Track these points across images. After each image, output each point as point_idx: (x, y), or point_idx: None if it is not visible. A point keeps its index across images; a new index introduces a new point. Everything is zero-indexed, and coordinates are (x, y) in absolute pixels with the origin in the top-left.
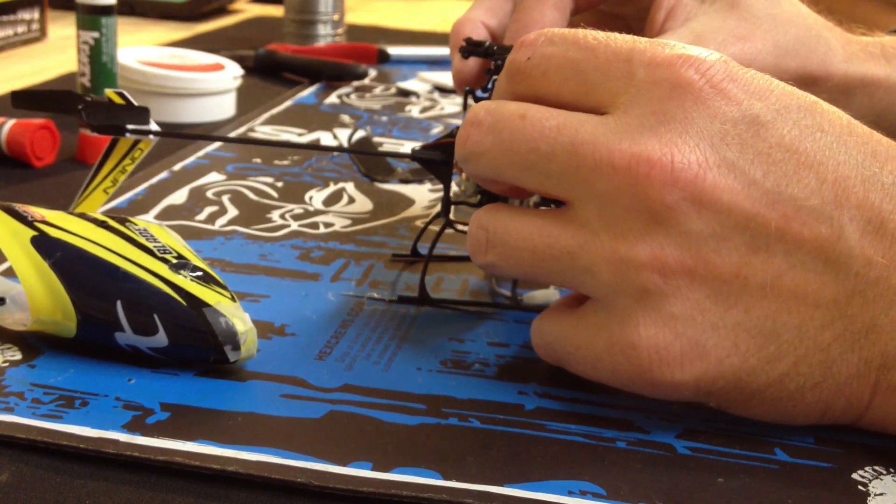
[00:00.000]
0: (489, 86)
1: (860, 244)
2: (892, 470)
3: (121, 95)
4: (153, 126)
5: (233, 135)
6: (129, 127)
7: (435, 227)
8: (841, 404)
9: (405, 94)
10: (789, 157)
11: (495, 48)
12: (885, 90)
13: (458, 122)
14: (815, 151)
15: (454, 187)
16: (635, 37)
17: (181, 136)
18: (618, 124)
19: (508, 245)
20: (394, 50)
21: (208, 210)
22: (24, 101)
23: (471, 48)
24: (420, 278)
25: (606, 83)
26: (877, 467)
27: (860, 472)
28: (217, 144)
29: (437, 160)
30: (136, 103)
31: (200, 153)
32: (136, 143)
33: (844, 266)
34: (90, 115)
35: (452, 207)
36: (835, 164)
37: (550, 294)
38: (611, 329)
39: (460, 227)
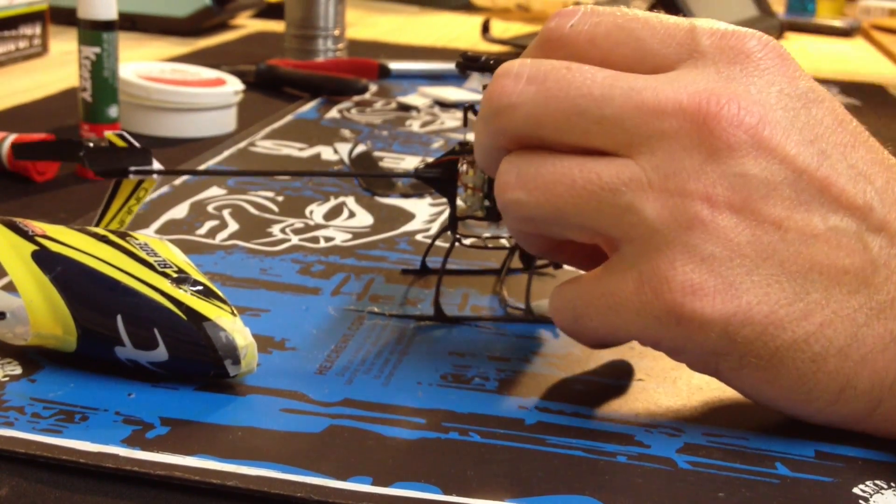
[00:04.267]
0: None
1: (886, 219)
2: (893, 484)
3: (122, 138)
4: (156, 165)
5: (233, 150)
6: (132, 169)
7: (443, 244)
8: (864, 380)
9: (406, 108)
10: (831, 133)
11: (492, 61)
12: None
13: (458, 136)
14: (851, 134)
15: (459, 203)
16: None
17: (185, 173)
18: (680, 76)
19: (541, 179)
20: (394, 65)
21: (209, 224)
22: (27, 153)
23: (467, 62)
24: (434, 296)
25: (666, 50)
26: (878, 482)
27: (861, 486)
28: (218, 159)
29: (440, 178)
30: (137, 144)
31: (201, 167)
32: (139, 183)
33: (872, 237)
34: (92, 161)
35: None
36: (865, 149)
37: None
38: (641, 267)
39: (467, 241)
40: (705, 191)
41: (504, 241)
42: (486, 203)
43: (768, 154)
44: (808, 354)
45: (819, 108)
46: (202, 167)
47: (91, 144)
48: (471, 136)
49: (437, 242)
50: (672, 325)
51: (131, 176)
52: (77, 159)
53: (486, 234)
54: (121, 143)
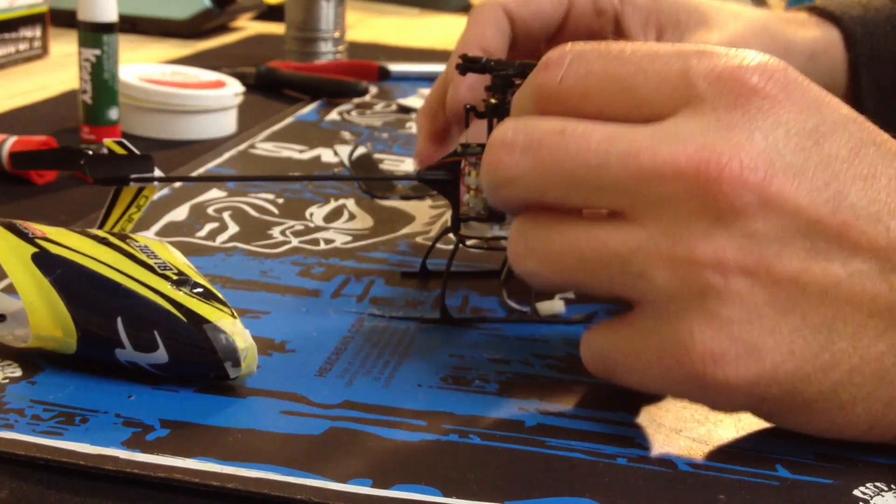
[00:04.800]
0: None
1: None
2: (893, 486)
3: (121, 145)
4: (157, 173)
5: (234, 152)
6: (133, 176)
7: (443, 246)
8: (890, 418)
9: (406, 110)
10: (847, 168)
11: (493, 63)
12: (824, 52)
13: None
14: (870, 163)
15: (462, 204)
16: (674, 44)
17: (184, 179)
18: (678, 129)
19: (552, 251)
20: (394, 67)
21: (209, 226)
22: (26, 162)
23: (468, 64)
24: (440, 297)
25: (660, 97)
26: (878, 484)
27: (862, 488)
28: (218, 161)
29: (442, 180)
30: (137, 152)
31: (201, 169)
32: (140, 190)
33: None
34: (92, 169)
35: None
36: (888, 178)
37: (556, 305)
38: (661, 333)
39: (470, 242)
40: (715, 256)
41: (506, 243)
42: (488, 205)
43: (778, 209)
44: (836, 403)
45: (832, 142)
46: (202, 169)
47: (91, 152)
48: (473, 138)
49: (437, 245)
50: (698, 390)
51: (132, 184)
52: (77, 167)
53: (489, 235)
54: (121, 151)
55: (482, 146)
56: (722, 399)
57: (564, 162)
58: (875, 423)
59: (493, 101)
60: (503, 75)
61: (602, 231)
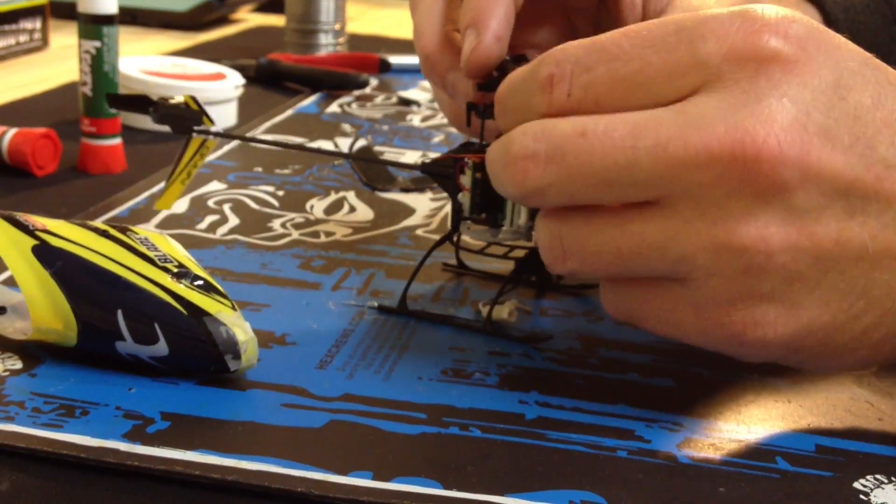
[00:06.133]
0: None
1: None
2: (893, 479)
3: (195, 101)
4: (215, 129)
5: (234, 144)
6: (195, 128)
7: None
8: None
9: (406, 103)
10: (872, 118)
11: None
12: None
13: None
14: (892, 108)
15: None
16: (674, 18)
17: (239, 138)
18: (703, 111)
19: (587, 250)
20: (395, 59)
21: (209, 219)
22: (117, 103)
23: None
24: (403, 289)
25: (675, 85)
26: (878, 476)
27: (862, 480)
28: (218, 153)
29: (447, 175)
30: (206, 110)
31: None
32: (203, 142)
33: None
34: (159, 114)
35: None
36: None
37: (504, 313)
38: (698, 300)
39: (467, 238)
40: (758, 234)
41: (537, 241)
42: (478, 202)
43: (817, 178)
44: (866, 344)
45: (855, 93)
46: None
47: (162, 100)
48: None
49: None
50: (734, 347)
51: (195, 135)
52: (146, 111)
53: (489, 238)
54: (194, 107)
55: (484, 145)
56: (757, 354)
57: (592, 164)
58: None
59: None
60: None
61: (636, 224)
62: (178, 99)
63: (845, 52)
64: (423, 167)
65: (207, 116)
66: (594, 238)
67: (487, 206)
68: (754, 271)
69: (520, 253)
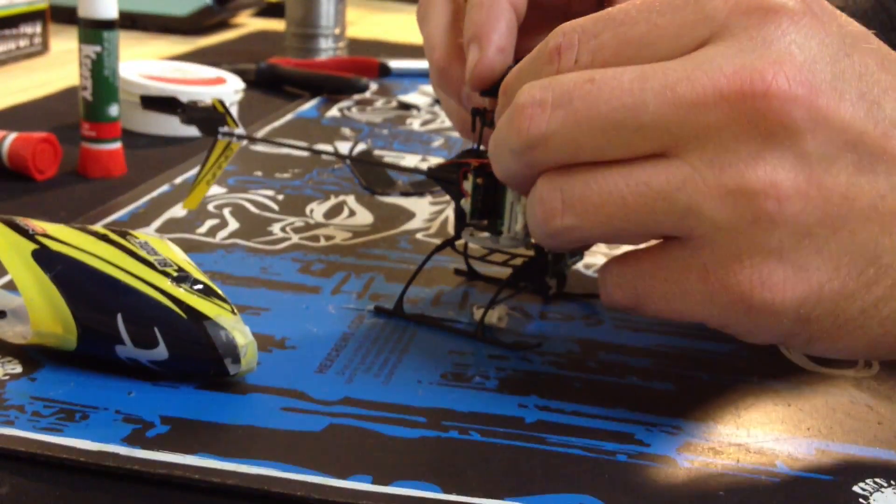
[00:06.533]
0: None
1: None
2: (893, 482)
3: (222, 104)
4: (239, 130)
5: None
6: (221, 129)
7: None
8: None
9: (406, 107)
10: (878, 78)
11: None
12: None
13: (458, 135)
14: (893, 73)
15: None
16: None
17: (263, 140)
18: (711, 55)
19: (589, 202)
20: (395, 63)
21: (209, 223)
22: (149, 103)
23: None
24: (401, 292)
25: (683, 42)
26: (878, 480)
27: (861, 484)
28: None
29: (451, 180)
30: (232, 114)
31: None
32: (228, 144)
33: None
34: (187, 114)
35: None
36: None
37: (493, 315)
38: (705, 260)
39: (459, 242)
40: (768, 180)
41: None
42: (479, 207)
43: (826, 124)
44: (876, 320)
45: (860, 54)
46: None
47: (190, 103)
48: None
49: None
50: (742, 314)
51: (220, 137)
52: (175, 112)
53: (490, 244)
54: (220, 109)
55: (486, 151)
56: (766, 324)
57: (599, 107)
58: None
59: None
60: None
61: (643, 172)
62: (206, 102)
63: (845, 19)
64: (429, 172)
65: (233, 119)
66: (598, 188)
67: (488, 212)
68: (763, 222)
69: (520, 260)
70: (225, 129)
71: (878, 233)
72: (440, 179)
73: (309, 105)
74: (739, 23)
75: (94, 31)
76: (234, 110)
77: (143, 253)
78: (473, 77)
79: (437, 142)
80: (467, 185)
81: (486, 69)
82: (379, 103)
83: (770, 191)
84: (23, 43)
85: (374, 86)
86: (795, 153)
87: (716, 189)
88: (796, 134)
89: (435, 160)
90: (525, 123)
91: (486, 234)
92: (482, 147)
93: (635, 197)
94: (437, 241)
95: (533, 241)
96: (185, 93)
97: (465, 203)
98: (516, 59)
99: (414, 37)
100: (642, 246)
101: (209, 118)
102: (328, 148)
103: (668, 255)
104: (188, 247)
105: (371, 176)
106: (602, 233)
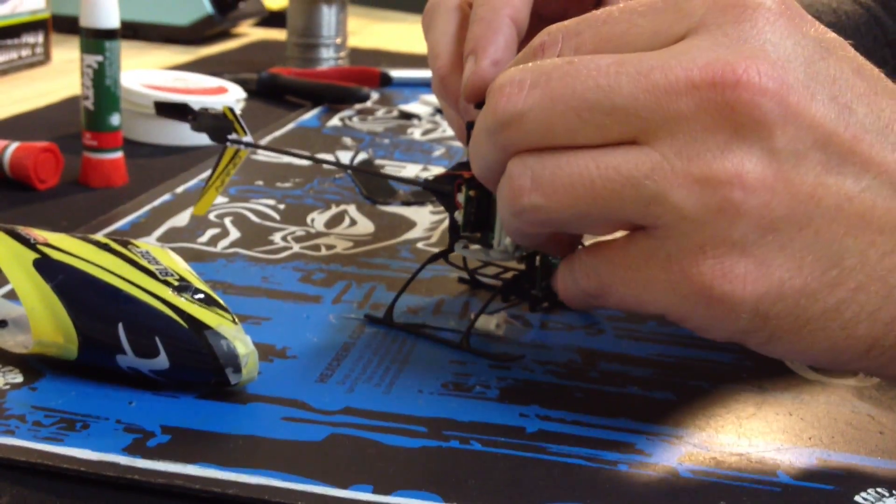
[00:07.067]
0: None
1: None
2: (894, 492)
3: (232, 113)
4: (247, 138)
5: None
6: (229, 137)
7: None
8: (891, 339)
9: (407, 116)
10: (852, 83)
11: None
12: None
13: (458, 144)
14: (870, 84)
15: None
16: None
17: (269, 149)
18: (688, 47)
19: (558, 182)
20: (396, 73)
21: (210, 232)
22: (162, 109)
23: None
24: (392, 301)
25: (660, 39)
26: (879, 489)
27: (863, 494)
28: None
29: (446, 192)
30: (242, 122)
31: (203, 176)
32: (236, 152)
33: None
34: (197, 121)
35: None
36: (887, 98)
37: (492, 321)
38: (669, 249)
39: (454, 255)
40: (734, 170)
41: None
42: (471, 220)
43: (796, 120)
44: (838, 322)
45: (835, 59)
46: (205, 175)
47: (202, 109)
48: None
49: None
50: (701, 306)
51: (229, 144)
52: (186, 119)
53: (483, 257)
54: (230, 117)
55: None
56: (725, 318)
57: (574, 86)
58: (874, 344)
59: None
60: None
61: (613, 156)
62: (217, 109)
63: (821, 27)
64: (425, 184)
65: (242, 127)
66: (567, 168)
67: (481, 224)
68: (728, 212)
69: (511, 274)
70: (234, 136)
71: (843, 234)
72: (435, 191)
73: (310, 114)
74: (715, 20)
75: (95, 40)
76: None
77: (144, 262)
78: (467, 88)
79: (439, 151)
80: (461, 198)
81: (479, 80)
82: (380, 113)
83: (736, 181)
84: (25, 52)
85: (375, 95)
86: (763, 147)
87: (683, 177)
88: (766, 127)
89: (436, 170)
90: (502, 102)
91: (478, 247)
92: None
93: (604, 181)
94: (438, 251)
95: (522, 254)
96: (192, 102)
97: (459, 215)
98: None
99: (415, 47)
100: (610, 237)
101: (219, 126)
102: (329, 157)
103: (633, 244)
104: (189, 256)
105: (372, 185)
106: (568, 216)
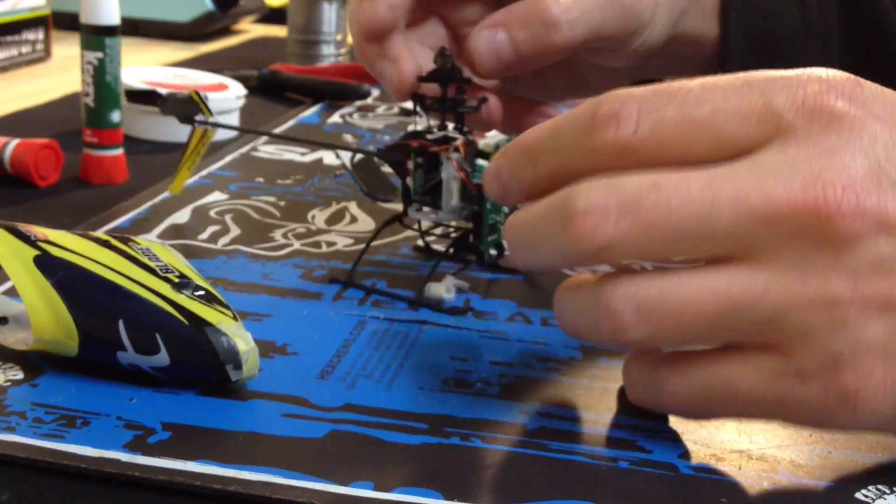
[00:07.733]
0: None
1: None
2: (895, 489)
3: (199, 96)
4: (213, 119)
5: (236, 154)
6: (197, 118)
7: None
8: None
9: (407, 113)
10: None
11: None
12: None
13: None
14: None
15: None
16: (740, 75)
17: (236, 129)
18: (779, 163)
19: (664, 311)
20: None
21: (211, 229)
22: (132, 97)
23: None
24: (353, 263)
25: (747, 133)
26: (880, 486)
27: (864, 491)
28: (220, 164)
29: (398, 160)
30: (208, 106)
31: (203, 172)
32: (204, 132)
33: None
34: (166, 106)
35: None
36: None
37: (441, 290)
38: (801, 366)
39: (406, 221)
40: (850, 284)
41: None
42: (420, 184)
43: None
44: None
45: None
46: (204, 172)
47: (169, 94)
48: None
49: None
50: (849, 414)
51: (196, 125)
52: (156, 104)
53: (433, 218)
54: (197, 100)
55: (425, 132)
56: (868, 425)
57: (669, 217)
58: None
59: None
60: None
61: (719, 278)
62: (184, 94)
63: (892, 103)
64: (378, 153)
65: (207, 108)
66: (673, 294)
67: (430, 188)
68: (853, 324)
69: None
70: (200, 117)
71: None
72: (388, 159)
73: (311, 111)
74: (804, 127)
75: (96, 37)
76: (235, 116)
77: (144, 259)
78: (360, 26)
79: None
80: (411, 164)
81: (372, 19)
82: (380, 109)
83: (854, 295)
84: (25, 49)
85: (375, 92)
86: (871, 259)
87: (799, 296)
88: (869, 242)
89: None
90: (588, 231)
91: (429, 209)
92: (420, 129)
93: (714, 305)
94: (441, 248)
95: (468, 213)
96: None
97: (411, 181)
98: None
99: None
100: (692, 348)
101: (186, 109)
102: (328, 155)
103: (749, 362)
104: (190, 253)
105: (373, 182)
106: (673, 340)
